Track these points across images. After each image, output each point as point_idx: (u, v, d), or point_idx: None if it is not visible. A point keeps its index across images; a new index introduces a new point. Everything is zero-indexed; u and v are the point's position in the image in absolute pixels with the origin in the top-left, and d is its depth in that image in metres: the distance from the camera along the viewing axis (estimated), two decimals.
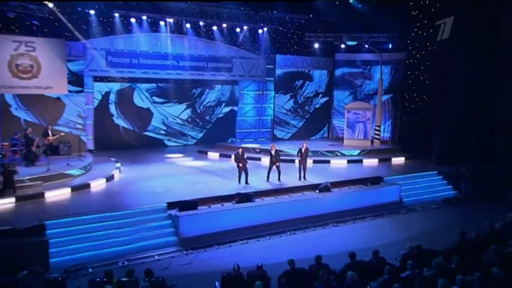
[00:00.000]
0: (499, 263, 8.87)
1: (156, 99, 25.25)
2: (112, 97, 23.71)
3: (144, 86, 24.64)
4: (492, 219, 12.26)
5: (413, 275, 9.09)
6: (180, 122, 26.36)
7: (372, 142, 25.10)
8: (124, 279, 8.83)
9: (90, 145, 23.15)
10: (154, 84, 24.90)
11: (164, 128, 26.07)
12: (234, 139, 27.45)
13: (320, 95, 28.52)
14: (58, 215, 13.48)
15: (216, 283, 9.52)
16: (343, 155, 23.86)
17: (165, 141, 26.14)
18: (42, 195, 15.32)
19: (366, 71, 27.19)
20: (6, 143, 18.38)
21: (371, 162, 23.33)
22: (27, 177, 16.18)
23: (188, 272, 11.89)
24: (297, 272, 9.33)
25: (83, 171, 18.27)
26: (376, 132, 25.04)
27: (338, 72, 27.88)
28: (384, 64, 25.31)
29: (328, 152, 23.85)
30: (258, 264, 9.77)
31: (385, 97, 26.33)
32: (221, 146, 25.13)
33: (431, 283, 8.05)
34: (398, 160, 23.52)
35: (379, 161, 23.29)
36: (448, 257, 9.43)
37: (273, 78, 26.99)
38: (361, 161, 23.37)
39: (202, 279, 11.04)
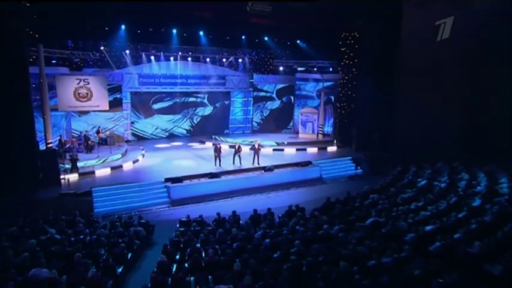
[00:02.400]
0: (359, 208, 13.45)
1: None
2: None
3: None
4: (372, 186, 16.44)
5: (283, 222, 12.50)
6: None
7: (317, 136, 26.45)
8: (127, 220, 12.41)
9: (129, 137, 25.30)
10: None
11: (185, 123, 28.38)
12: (228, 131, 28.75)
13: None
14: (100, 185, 16.65)
15: (177, 225, 12.50)
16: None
17: (175, 132, 28.01)
18: (93, 172, 18.24)
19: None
20: (74, 139, 21.06)
21: (312, 150, 24.59)
22: (85, 161, 19.04)
23: (169, 218, 14.70)
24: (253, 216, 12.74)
25: (120, 157, 20.68)
26: (320, 128, 26.52)
27: (298, 85, 28.71)
28: (326, 81, 26.58)
29: (277, 142, 25.01)
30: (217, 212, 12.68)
31: (327, 104, 27.48)
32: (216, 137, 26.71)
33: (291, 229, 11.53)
34: (332, 148, 24.93)
35: (319, 149, 24.61)
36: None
37: (252, 89, 28.36)
38: (305, 149, 24.58)
39: (173, 223, 13.34)
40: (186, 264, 8.95)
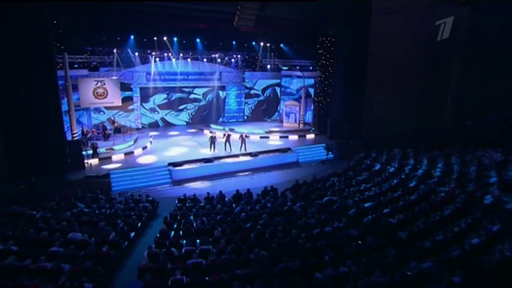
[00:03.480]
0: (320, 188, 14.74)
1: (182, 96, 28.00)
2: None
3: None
4: (336, 170, 17.52)
5: (258, 200, 13.99)
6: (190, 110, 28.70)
7: (299, 124, 27.03)
8: (137, 198, 14.08)
9: (139, 126, 26.14)
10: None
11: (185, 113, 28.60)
12: (223, 119, 29.41)
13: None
14: (116, 168, 17.88)
15: (176, 201, 13.84)
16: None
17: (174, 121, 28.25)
18: (110, 157, 19.29)
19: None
20: (94, 129, 22.18)
21: (294, 137, 25.21)
22: (104, 148, 20.01)
23: (170, 196, 15.65)
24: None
25: (132, 144, 21.53)
26: (301, 119, 27.10)
27: (283, 81, 29.60)
28: (306, 78, 27.14)
29: (266, 131, 25.69)
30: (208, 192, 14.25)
31: (307, 98, 28.02)
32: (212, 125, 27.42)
33: (262, 205, 13.08)
34: (310, 136, 25.66)
35: (299, 136, 25.30)
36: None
37: (244, 83, 28.90)
38: (287, 137, 25.23)
39: (173, 200, 14.27)
40: (181, 232, 10.76)
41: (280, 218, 11.75)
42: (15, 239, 9.01)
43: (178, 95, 27.89)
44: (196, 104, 28.93)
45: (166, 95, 27.42)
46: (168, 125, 28.02)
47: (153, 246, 9.48)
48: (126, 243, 10.14)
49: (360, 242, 9.77)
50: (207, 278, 7.68)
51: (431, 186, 14.77)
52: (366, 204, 12.91)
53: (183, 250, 9.25)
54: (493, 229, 9.64)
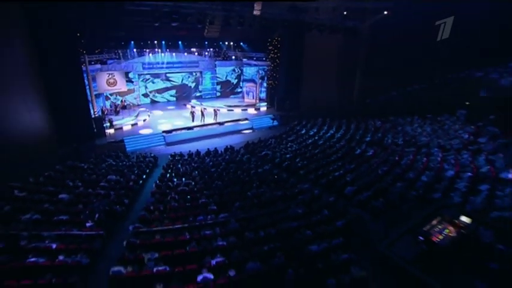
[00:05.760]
0: (258, 146, 17.58)
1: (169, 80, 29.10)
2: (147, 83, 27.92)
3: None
4: (275, 134, 20.52)
5: (221, 154, 17.95)
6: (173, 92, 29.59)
7: (256, 100, 28.65)
8: (144, 154, 17.72)
9: (139, 103, 27.71)
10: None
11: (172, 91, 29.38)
12: (201, 94, 30.62)
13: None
14: (127, 135, 20.07)
15: (170, 157, 17.03)
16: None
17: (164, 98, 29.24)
18: (121, 128, 21.18)
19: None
20: (108, 107, 24.33)
21: (251, 110, 26.88)
22: (116, 121, 22.02)
23: (165, 153, 17.99)
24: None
25: (135, 117, 23.26)
26: (257, 96, 28.79)
27: (244, 68, 30.40)
28: (261, 66, 28.81)
29: (232, 106, 27.09)
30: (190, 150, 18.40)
31: (262, 80, 29.23)
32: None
33: (223, 157, 17.20)
34: (263, 109, 27.40)
35: (255, 109, 27.02)
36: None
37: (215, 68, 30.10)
38: (246, 110, 26.93)
39: (167, 155, 16.76)
40: (173, 174, 14.53)
41: (233, 164, 15.76)
42: (79, 180, 12.97)
43: (166, 80, 28.95)
44: (179, 85, 29.96)
45: (157, 80, 28.60)
46: (159, 102, 29.15)
47: (158, 181, 13.36)
48: (141, 181, 13.93)
49: (276, 176, 14.12)
50: (188, 197, 11.97)
51: (332, 143, 19.12)
52: (287, 155, 17.02)
53: (175, 183, 13.24)
54: (351, 166, 14.30)
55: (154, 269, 6.98)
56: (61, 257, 7.53)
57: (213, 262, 7.26)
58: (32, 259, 7.27)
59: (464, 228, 8.26)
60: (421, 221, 8.67)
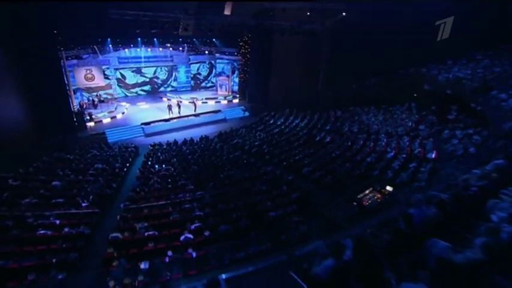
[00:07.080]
0: (230, 135, 19.39)
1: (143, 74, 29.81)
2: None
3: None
4: (245, 123, 22.53)
5: (197, 143, 19.92)
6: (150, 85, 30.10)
7: (228, 93, 29.96)
8: (125, 145, 19.44)
9: (116, 96, 28.21)
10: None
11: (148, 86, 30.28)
12: (176, 87, 31.12)
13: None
14: (107, 128, 20.94)
15: (150, 146, 18.65)
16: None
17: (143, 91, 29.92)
18: (101, 121, 22.10)
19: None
20: (86, 101, 24.85)
21: (224, 102, 28.22)
22: (95, 114, 22.69)
23: (145, 143, 19.02)
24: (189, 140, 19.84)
25: (113, 110, 24.09)
26: (230, 89, 30.08)
27: (217, 62, 30.91)
28: (233, 61, 29.36)
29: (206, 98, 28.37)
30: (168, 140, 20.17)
31: (233, 74, 29.87)
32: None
33: (199, 146, 18.81)
34: (235, 101, 28.70)
35: (228, 101, 28.42)
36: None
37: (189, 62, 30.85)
38: (219, 102, 28.14)
39: (147, 145, 18.05)
40: (154, 161, 16.21)
41: (207, 152, 17.52)
42: (68, 169, 14.30)
43: (138, 73, 29.42)
44: (155, 79, 30.57)
45: (133, 74, 29.11)
46: (136, 96, 29.69)
47: (141, 168, 14.95)
48: (125, 169, 15.33)
49: (245, 161, 16.05)
50: (169, 180, 13.65)
51: (296, 131, 21.16)
52: (256, 143, 18.85)
53: (156, 169, 14.92)
54: (310, 151, 16.45)
55: (146, 234, 8.81)
56: (66, 229, 9.15)
57: (192, 227, 9.16)
58: (42, 231, 8.84)
59: (388, 195, 10.68)
60: (357, 191, 10.99)
